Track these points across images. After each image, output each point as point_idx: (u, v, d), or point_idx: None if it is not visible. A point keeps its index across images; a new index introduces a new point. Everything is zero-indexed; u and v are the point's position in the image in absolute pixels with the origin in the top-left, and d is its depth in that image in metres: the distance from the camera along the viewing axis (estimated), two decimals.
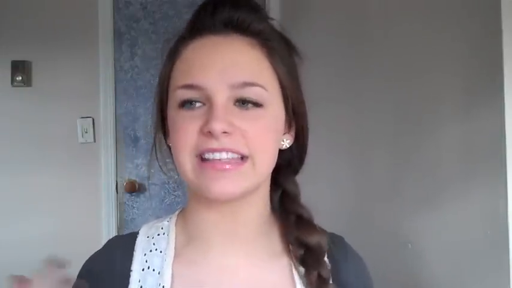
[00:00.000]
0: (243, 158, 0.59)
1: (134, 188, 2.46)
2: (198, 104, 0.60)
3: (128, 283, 0.63)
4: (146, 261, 0.65)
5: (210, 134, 0.57)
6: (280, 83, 0.64)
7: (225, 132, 0.57)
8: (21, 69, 2.38)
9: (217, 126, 0.56)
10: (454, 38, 1.01)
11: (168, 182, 2.47)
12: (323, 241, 0.66)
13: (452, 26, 1.03)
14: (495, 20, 0.78)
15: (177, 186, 2.48)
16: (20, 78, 2.38)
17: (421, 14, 1.19)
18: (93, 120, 2.43)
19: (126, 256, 0.66)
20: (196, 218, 0.66)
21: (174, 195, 2.50)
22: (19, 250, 2.33)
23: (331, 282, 0.64)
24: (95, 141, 2.43)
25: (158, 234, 0.68)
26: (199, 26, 0.65)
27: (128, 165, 2.49)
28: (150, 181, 2.49)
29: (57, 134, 2.40)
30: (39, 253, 2.24)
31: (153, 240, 0.67)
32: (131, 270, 0.64)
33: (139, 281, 0.63)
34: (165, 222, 0.70)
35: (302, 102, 0.68)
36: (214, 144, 0.57)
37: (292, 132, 0.68)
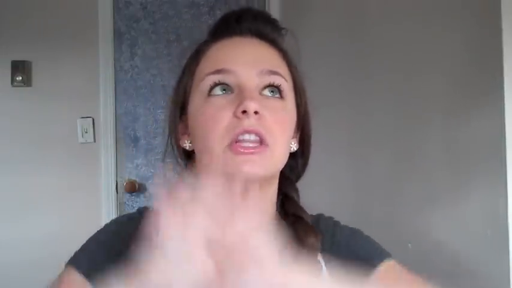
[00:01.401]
0: (264, 144, 0.62)
1: (134, 188, 2.46)
2: (227, 91, 0.64)
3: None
4: None
5: (242, 115, 0.61)
6: (295, 87, 0.69)
7: (256, 113, 0.61)
8: (21, 69, 2.38)
9: (252, 104, 0.60)
10: (454, 38, 1.01)
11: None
12: (317, 243, 0.68)
13: (452, 26, 1.03)
14: (495, 20, 0.78)
15: None
16: (20, 78, 2.38)
17: (421, 14, 1.19)
18: (93, 120, 2.43)
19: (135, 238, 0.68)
20: None
21: None
22: (19, 250, 2.33)
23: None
24: (95, 141, 2.43)
25: None
26: (225, 30, 0.70)
27: (128, 165, 2.49)
28: (150, 181, 2.49)
29: (57, 134, 2.40)
30: (39, 253, 2.22)
31: None
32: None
33: None
34: None
35: (308, 110, 0.72)
36: (246, 123, 0.60)
37: (297, 138, 0.72)
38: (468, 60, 0.96)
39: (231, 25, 0.70)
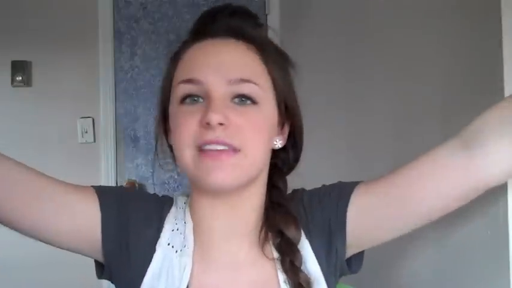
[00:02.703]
0: (235, 150, 0.63)
1: (134, 188, 2.46)
2: (198, 100, 0.65)
3: (158, 237, 0.71)
4: (176, 224, 0.72)
5: (207, 126, 0.62)
6: (274, 86, 0.69)
7: (221, 124, 0.62)
8: (21, 69, 2.38)
9: (214, 117, 0.61)
10: (454, 38, 1.01)
11: (168, 182, 2.47)
12: (298, 235, 0.70)
13: (451, 26, 1.03)
14: (495, 20, 0.78)
15: (177, 187, 2.48)
16: (20, 78, 2.38)
17: (421, 14, 1.19)
18: (93, 120, 2.43)
19: (165, 212, 0.73)
20: (199, 209, 0.72)
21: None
22: (19, 250, 2.33)
23: (302, 269, 0.69)
24: (94, 141, 2.43)
25: (180, 208, 0.75)
26: (200, 31, 0.70)
27: (128, 165, 2.49)
28: (149, 181, 2.49)
29: (57, 134, 2.40)
30: (39, 253, 2.22)
31: (180, 211, 0.74)
32: (163, 227, 0.72)
33: (168, 238, 0.70)
34: (184, 197, 0.76)
35: (296, 105, 0.73)
36: (210, 135, 0.62)
37: (285, 134, 0.74)
38: (468, 61, 0.96)
39: (207, 25, 0.70)
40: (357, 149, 1.58)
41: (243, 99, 0.65)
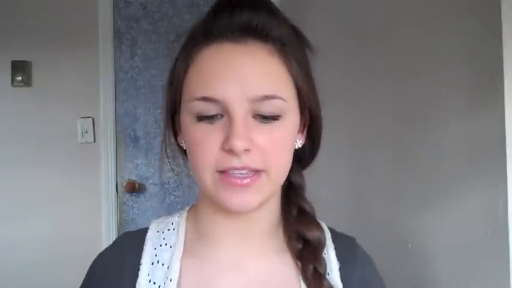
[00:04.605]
0: (258, 171, 0.59)
1: (134, 188, 2.46)
2: (216, 118, 0.58)
3: (137, 276, 0.65)
4: (156, 255, 0.66)
5: (231, 151, 0.56)
6: (297, 89, 0.62)
7: (246, 150, 0.57)
8: (21, 69, 2.38)
9: (239, 144, 0.56)
10: (454, 38, 1.01)
11: (168, 182, 2.48)
12: (322, 237, 0.66)
13: (452, 26, 1.03)
14: (495, 20, 0.78)
15: (177, 187, 2.48)
16: (20, 78, 2.38)
17: (422, 14, 1.19)
18: (93, 120, 2.43)
19: (136, 251, 0.67)
20: (207, 218, 0.67)
21: (174, 195, 2.50)
22: (19, 250, 2.33)
23: (327, 277, 0.65)
24: (95, 141, 2.44)
25: (168, 229, 0.69)
26: (214, 31, 0.61)
27: (128, 165, 2.49)
28: (149, 181, 2.50)
29: (57, 134, 2.41)
30: (39, 253, 2.22)
31: (163, 235, 0.68)
32: (140, 264, 0.65)
33: (148, 275, 0.65)
34: (176, 218, 0.71)
35: (317, 104, 0.67)
36: (235, 162, 0.57)
37: (304, 131, 0.68)
38: (468, 61, 0.96)
39: (222, 23, 0.60)
40: (357, 149, 1.58)
41: (266, 117, 0.59)
